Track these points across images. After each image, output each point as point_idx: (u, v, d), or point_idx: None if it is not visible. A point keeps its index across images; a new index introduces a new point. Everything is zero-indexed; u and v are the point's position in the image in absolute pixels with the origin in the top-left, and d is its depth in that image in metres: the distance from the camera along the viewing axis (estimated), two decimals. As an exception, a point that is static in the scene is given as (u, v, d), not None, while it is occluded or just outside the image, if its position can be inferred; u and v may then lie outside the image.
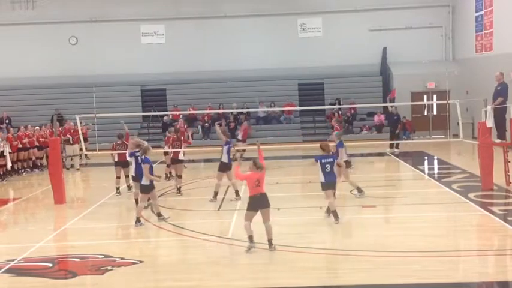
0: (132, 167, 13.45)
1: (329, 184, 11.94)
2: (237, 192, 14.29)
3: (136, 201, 13.12)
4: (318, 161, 11.87)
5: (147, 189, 12.13)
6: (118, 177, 16.09)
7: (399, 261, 9.18)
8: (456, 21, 30.57)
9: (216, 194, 14.35)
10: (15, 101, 30.13)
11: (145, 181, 12.05)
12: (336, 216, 11.75)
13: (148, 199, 12.77)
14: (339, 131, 16.38)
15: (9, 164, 19.49)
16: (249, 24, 31.37)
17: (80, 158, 23.83)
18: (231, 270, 9.16)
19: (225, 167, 14.45)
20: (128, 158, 13.73)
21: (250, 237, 9.95)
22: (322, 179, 11.92)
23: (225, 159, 14.46)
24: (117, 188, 16.08)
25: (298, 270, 8.91)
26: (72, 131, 22.53)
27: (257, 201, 9.91)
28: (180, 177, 15.71)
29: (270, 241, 9.97)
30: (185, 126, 20.81)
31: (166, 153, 17.97)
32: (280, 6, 30.98)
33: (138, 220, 12.10)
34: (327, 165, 11.85)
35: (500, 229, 11.07)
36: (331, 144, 13.59)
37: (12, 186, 18.92)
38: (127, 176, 16.00)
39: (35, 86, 30.73)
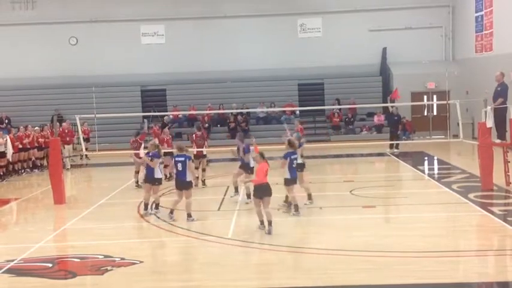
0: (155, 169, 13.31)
1: (294, 179, 12.51)
2: (249, 196, 14.09)
3: (157, 204, 13.35)
4: (288, 158, 12.29)
5: (190, 185, 12.42)
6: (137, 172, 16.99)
7: (399, 262, 9.17)
8: (456, 22, 30.58)
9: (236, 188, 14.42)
10: (15, 101, 30.14)
11: (189, 177, 12.37)
12: (297, 209, 12.45)
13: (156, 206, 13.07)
14: (298, 133, 16.28)
15: (9, 154, 19.52)
16: (249, 24, 31.38)
17: (81, 158, 23.89)
18: (231, 270, 9.16)
19: (249, 169, 14.22)
20: (145, 157, 13.72)
21: (262, 221, 11.09)
22: (288, 175, 12.34)
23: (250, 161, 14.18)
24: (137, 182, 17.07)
25: (298, 270, 8.92)
26: (66, 131, 22.54)
27: (265, 189, 10.98)
28: (204, 170, 16.92)
29: (269, 222, 10.99)
30: (160, 130, 20.50)
31: (165, 154, 18.05)
32: (280, 7, 30.98)
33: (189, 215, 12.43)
34: (294, 161, 12.42)
35: (500, 229, 11.07)
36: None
37: (12, 187, 18.93)
38: (137, 172, 16.79)
39: (35, 87, 30.74)
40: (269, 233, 10.84)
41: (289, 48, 30.91)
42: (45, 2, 31.23)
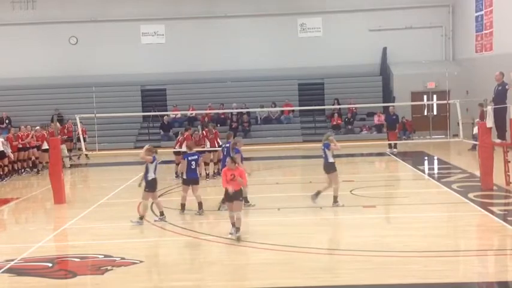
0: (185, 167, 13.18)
1: (190, 180, 13.02)
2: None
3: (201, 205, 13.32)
4: (186, 159, 12.99)
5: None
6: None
7: (399, 262, 9.17)
8: (456, 21, 30.58)
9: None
10: (15, 101, 30.18)
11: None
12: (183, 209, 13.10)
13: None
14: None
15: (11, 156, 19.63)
16: (249, 24, 31.39)
17: (88, 158, 23.93)
18: (231, 270, 9.16)
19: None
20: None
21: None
22: (185, 176, 13.02)
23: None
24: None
25: (298, 270, 8.90)
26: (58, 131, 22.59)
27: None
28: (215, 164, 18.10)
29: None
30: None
31: (177, 154, 18.29)
32: (280, 6, 31.00)
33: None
34: (192, 162, 12.92)
35: (500, 229, 11.07)
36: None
37: (12, 186, 18.93)
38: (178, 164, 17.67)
39: (35, 86, 30.76)
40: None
41: (289, 48, 30.91)
42: (46, 2, 31.25)
